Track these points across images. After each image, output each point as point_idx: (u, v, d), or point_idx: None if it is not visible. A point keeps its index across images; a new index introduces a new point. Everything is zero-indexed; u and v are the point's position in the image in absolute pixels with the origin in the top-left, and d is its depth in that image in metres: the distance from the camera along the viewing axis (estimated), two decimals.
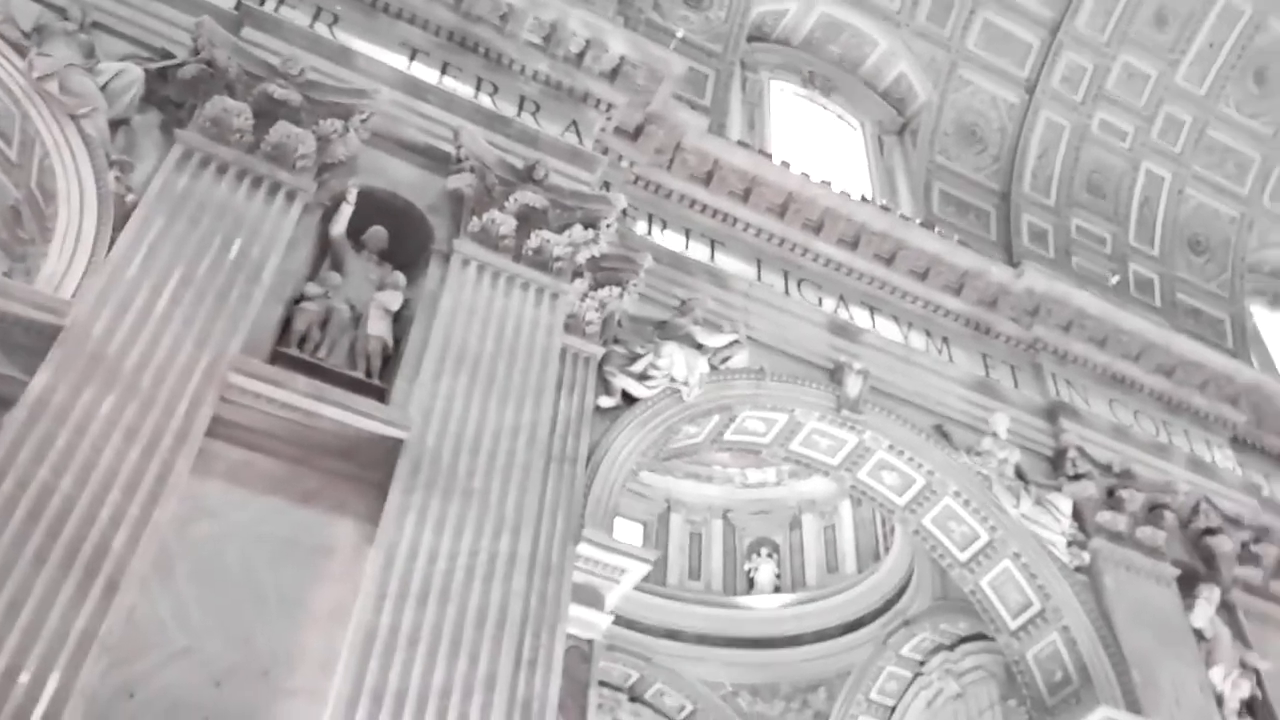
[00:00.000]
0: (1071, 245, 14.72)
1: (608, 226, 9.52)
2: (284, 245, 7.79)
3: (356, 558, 6.70)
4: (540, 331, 8.50)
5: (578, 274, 9.18)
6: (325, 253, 8.33)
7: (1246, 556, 12.14)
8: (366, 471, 7.06)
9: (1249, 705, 10.91)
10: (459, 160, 9.06)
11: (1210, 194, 16.02)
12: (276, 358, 7.34)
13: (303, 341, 7.57)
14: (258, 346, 7.29)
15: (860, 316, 11.94)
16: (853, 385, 11.02)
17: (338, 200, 8.39)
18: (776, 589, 16.20)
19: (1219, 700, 10.71)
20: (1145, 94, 15.29)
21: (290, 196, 8.06)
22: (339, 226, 8.29)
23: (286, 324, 7.64)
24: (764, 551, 16.42)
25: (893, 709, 14.86)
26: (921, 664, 14.51)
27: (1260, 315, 16.64)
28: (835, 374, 11.05)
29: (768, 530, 16.64)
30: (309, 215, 8.28)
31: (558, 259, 8.97)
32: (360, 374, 7.58)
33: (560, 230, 9.10)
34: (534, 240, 8.93)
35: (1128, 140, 15.37)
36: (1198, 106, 15.59)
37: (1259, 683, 11.11)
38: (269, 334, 7.46)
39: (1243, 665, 11.09)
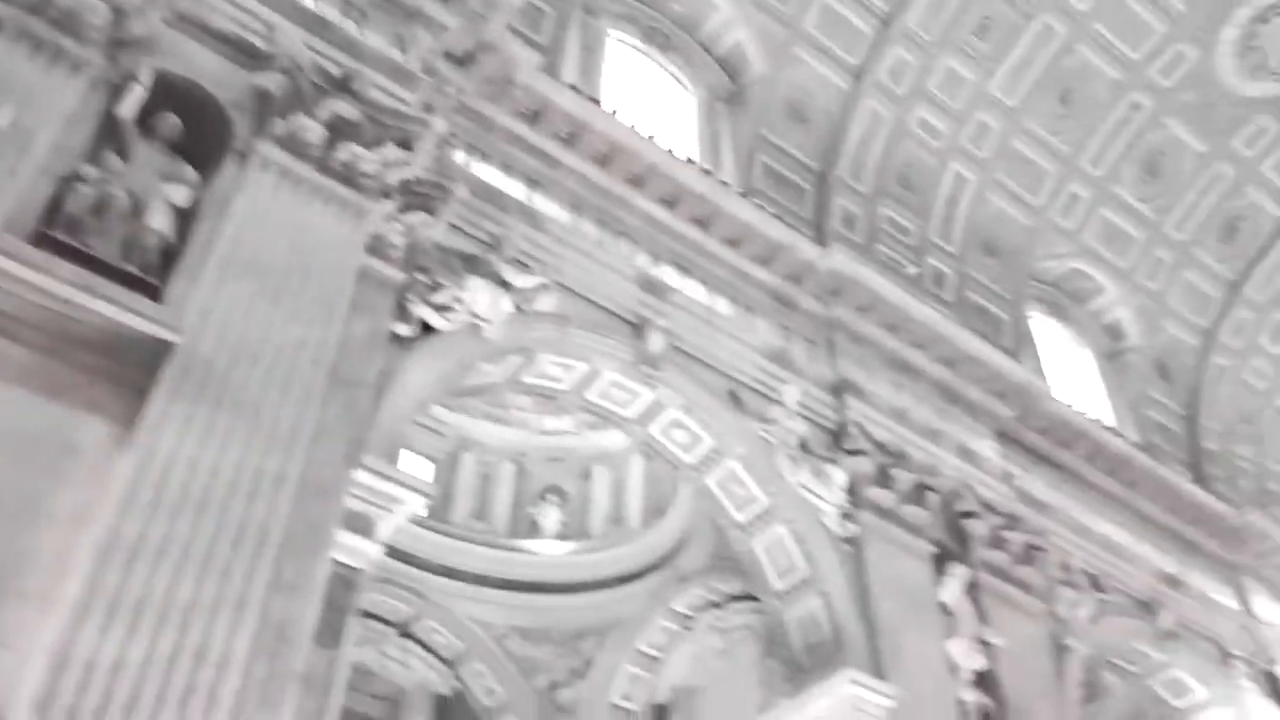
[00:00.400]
0: (878, 233, 15.30)
1: (424, 150, 9.23)
2: (62, 119, 7.18)
3: (105, 461, 6.28)
4: (339, 248, 8.18)
5: (386, 194, 8.86)
6: (110, 135, 7.70)
7: (996, 541, 12.98)
8: (128, 372, 6.61)
9: (981, 676, 11.67)
10: (271, 58, 8.55)
11: (1008, 201, 16.95)
12: (41, 240, 6.74)
13: (73, 226, 6.99)
14: (19, 225, 6.69)
15: (670, 276, 12.05)
16: (655, 342, 11.15)
17: (129, 80, 7.79)
18: (561, 536, 16.33)
19: (955, 670, 11.47)
20: (962, 98, 15.98)
21: (75, 68, 7.41)
22: (127, 108, 7.68)
23: (56, 206, 7.04)
24: (552, 498, 16.50)
25: (660, 661, 15.27)
26: (691, 619, 14.95)
27: (1037, 321, 17.80)
28: (639, 329, 11.13)
29: (559, 478, 16.71)
30: (95, 92, 7.65)
31: (366, 176, 8.63)
32: (134, 269, 7.06)
33: (373, 147, 8.75)
34: (343, 153, 8.56)
35: (941, 140, 16.04)
36: (1007, 117, 16.42)
37: (993, 657, 11.93)
38: (34, 213, 6.84)
39: (980, 640, 11.87)
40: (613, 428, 12.49)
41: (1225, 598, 16.08)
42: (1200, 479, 17.45)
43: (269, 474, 6.65)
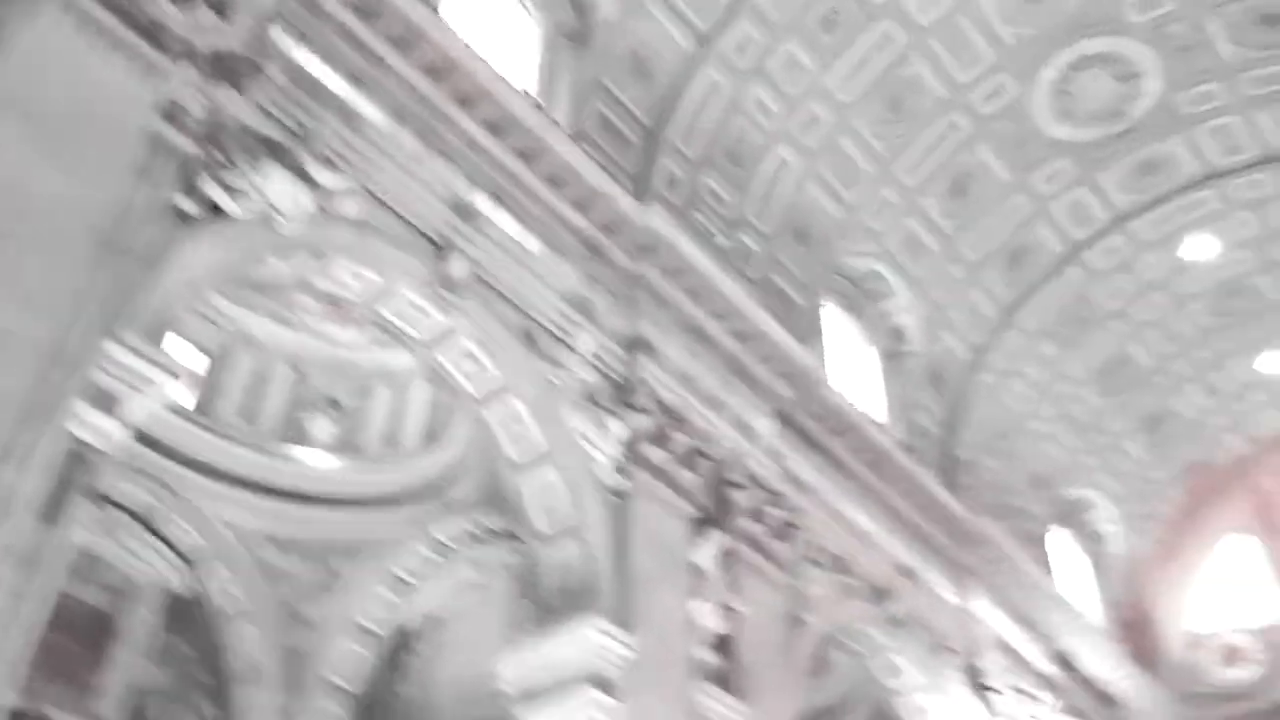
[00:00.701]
0: (697, 200, 15.50)
1: (242, 22, 8.65)
2: None
3: None
4: (129, 106, 7.60)
5: (191, 60, 8.26)
6: None
7: (756, 514, 13.52)
8: None
9: (721, 639, 12.13)
10: None
11: (824, 194, 17.48)
12: None
13: None
14: None
15: (485, 204, 11.77)
16: (458, 267, 10.94)
17: None
18: (331, 449, 15.86)
19: (698, 630, 11.89)
20: (798, 85, 16.29)
21: None
22: None
23: None
24: (328, 409, 15.98)
25: (413, 587, 15.16)
26: (450, 550, 14.89)
27: (831, 312, 18.50)
28: (444, 251, 10.88)
29: (338, 390, 16.18)
30: None
31: (173, 36, 8.03)
32: None
33: (184, 6, 8.15)
34: (150, 6, 7.92)
35: (772, 121, 16.33)
36: (837, 112, 16.88)
37: (735, 622, 12.42)
38: None
39: (725, 605, 12.36)
40: (400, 348, 12.20)
41: (949, 594, 17.35)
42: (950, 484, 18.66)
43: (10, 332, 6.15)
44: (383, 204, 10.47)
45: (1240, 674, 23.46)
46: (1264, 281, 21.61)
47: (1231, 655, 23.80)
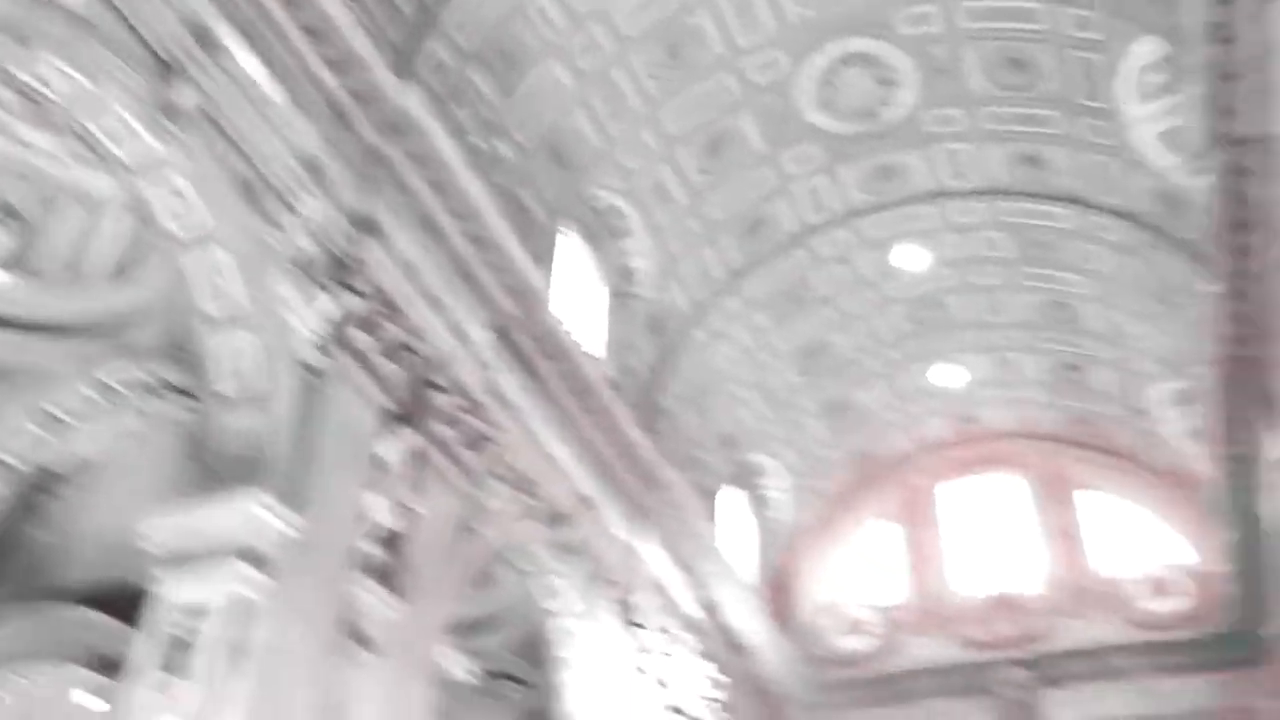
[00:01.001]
0: (460, 94, 14.99)
1: None
2: None
3: None
4: None
5: None
6: None
7: (453, 420, 13.46)
8: None
9: (393, 536, 11.97)
10: None
11: (587, 121, 17.43)
12: None
13: None
14: None
15: (230, 36, 10.81)
16: (185, 96, 10.05)
17: None
18: (1, 263, 14.20)
19: (369, 522, 11.68)
20: (586, 4, 16.06)
21: None
22: None
23: None
24: (3, 218, 14.26)
25: (67, 427, 13.93)
26: (117, 394, 13.76)
27: (570, 239, 18.55)
28: (171, 74, 9.94)
29: (19, 198, 14.44)
30: None
31: None
32: None
33: None
34: None
35: (553, 34, 16.03)
36: (619, 43, 16.82)
37: (411, 522, 12.32)
38: None
39: (403, 504, 12.23)
40: (102, 169, 11.09)
41: (620, 531, 18.04)
42: (646, 427, 19.29)
43: None
44: (109, 3, 9.41)
45: (858, 644, 26.01)
46: (956, 301, 23.70)
47: (854, 626, 26.30)
